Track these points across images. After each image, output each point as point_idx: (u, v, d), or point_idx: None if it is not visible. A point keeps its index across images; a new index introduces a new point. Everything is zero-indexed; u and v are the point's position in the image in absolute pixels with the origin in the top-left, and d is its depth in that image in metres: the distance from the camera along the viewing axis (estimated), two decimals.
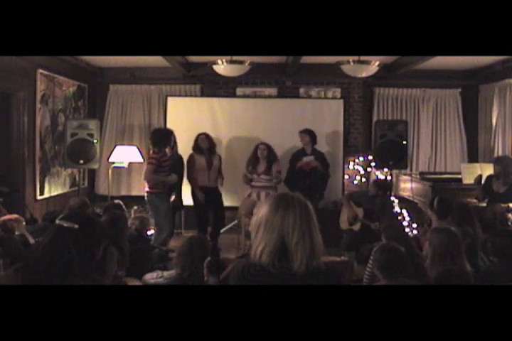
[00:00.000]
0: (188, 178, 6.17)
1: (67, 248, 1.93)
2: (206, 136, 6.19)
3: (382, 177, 6.87)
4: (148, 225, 4.59)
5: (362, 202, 5.71)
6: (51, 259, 1.92)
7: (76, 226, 1.96)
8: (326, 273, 1.75)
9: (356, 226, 5.63)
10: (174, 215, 6.19)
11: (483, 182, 5.37)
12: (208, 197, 6.08)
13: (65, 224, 1.98)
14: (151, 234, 5.34)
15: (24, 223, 4.10)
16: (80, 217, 2.09)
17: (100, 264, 2.17)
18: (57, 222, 2.03)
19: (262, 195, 6.01)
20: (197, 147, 6.16)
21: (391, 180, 6.88)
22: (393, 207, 6.41)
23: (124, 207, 4.97)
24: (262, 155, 6.09)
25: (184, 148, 6.20)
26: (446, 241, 3.15)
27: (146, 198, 5.57)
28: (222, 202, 6.26)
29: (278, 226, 1.72)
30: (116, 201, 5.18)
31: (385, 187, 5.95)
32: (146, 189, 5.57)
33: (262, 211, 1.78)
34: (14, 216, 4.12)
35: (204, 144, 6.14)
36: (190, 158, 6.16)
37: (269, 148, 6.14)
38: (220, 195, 6.25)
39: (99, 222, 2.18)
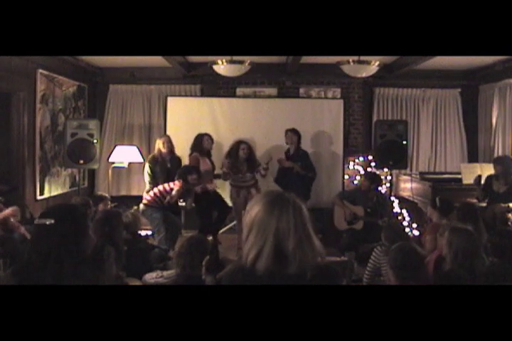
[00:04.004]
0: None
1: (50, 244, 1.94)
2: (210, 137, 6.10)
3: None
4: (140, 222, 4.48)
5: (356, 200, 5.69)
6: (38, 258, 1.94)
7: (52, 220, 1.96)
8: (326, 274, 1.72)
9: (358, 225, 5.60)
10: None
11: (483, 182, 5.37)
12: (214, 198, 6.00)
13: (45, 221, 1.98)
14: (146, 235, 5.31)
15: (24, 225, 4.13)
16: (56, 210, 2.09)
17: (97, 262, 2.17)
18: (35, 222, 2.04)
19: (253, 191, 5.96)
20: (201, 148, 5.99)
21: (391, 179, 6.89)
22: (387, 199, 6.39)
23: (107, 196, 5.11)
24: (244, 155, 5.95)
25: (184, 148, 6.18)
26: (466, 241, 3.10)
27: (141, 210, 5.47)
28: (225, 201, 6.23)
29: (273, 231, 1.63)
30: (100, 193, 5.22)
31: (377, 179, 5.93)
32: (145, 201, 5.54)
33: (254, 211, 1.69)
34: (10, 209, 4.14)
35: (209, 146, 6.04)
36: (195, 159, 5.93)
37: (250, 148, 6.00)
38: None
39: (79, 210, 2.16)
